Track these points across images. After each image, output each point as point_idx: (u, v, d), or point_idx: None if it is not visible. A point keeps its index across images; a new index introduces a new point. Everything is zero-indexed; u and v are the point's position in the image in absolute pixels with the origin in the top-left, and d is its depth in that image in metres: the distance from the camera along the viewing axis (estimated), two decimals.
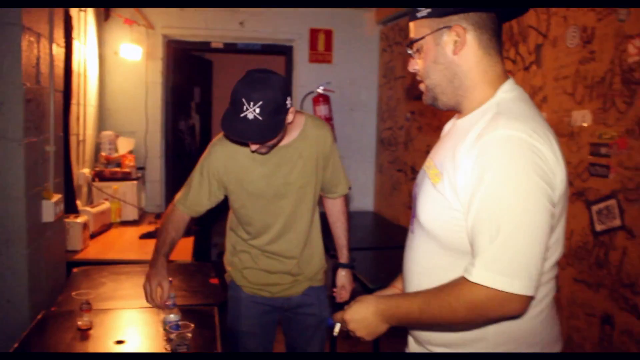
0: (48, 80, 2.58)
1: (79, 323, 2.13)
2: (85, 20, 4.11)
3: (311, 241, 2.43)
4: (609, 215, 2.33)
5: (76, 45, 3.79)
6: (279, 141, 2.15)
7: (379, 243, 4.46)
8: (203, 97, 6.21)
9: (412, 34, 1.41)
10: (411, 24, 1.41)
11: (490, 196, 1.17)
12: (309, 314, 2.44)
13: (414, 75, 1.47)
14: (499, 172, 1.17)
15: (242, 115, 1.90)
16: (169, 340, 1.93)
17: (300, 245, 2.37)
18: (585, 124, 2.46)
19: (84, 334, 2.11)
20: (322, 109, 4.96)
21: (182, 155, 5.61)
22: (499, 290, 1.14)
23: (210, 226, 6.05)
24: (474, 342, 1.32)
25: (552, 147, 1.23)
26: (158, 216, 4.55)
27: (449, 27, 1.32)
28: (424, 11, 1.35)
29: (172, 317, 2.03)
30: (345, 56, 5.31)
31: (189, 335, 1.85)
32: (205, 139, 6.37)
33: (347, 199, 2.60)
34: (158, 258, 2.23)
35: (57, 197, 2.62)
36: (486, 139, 1.21)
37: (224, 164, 2.25)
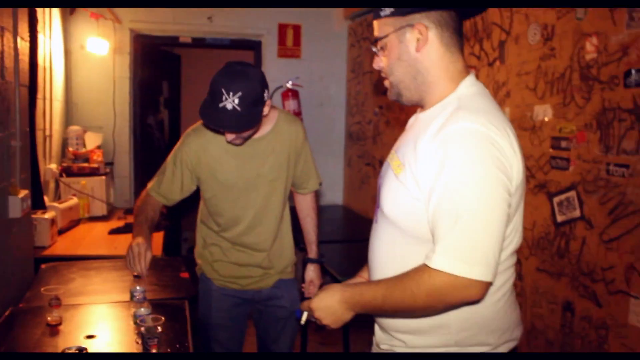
0: (13, 74, 2.56)
1: (49, 319, 2.12)
2: (50, 13, 4.06)
3: (281, 235, 2.47)
4: (569, 206, 2.41)
5: (41, 39, 3.74)
6: (254, 133, 2.18)
7: (348, 236, 4.51)
8: (172, 92, 6.18)
9: (376, 33, 1.45)
10: (375, 23, 1.46)
11: (450, 186, 1.22)
12: (279, 307, 2.48)
13: (379, 71, 1.51)
14: (459, 163, 1.22)
15: (220, 105, 1.94)
16: (139, 334, 1.94)
17: (270, 238, 2.40)
18: (546, 118, 2.54)
19: (54, 329, 2.10)
20: (291, 104, 4.98)
21: (151, 150, 5.58)
22: (458, 276, 1.18)
23: (180, 221, 6.03)
24: (438, 329, 1.37)
25: (510, 140, 1.28)
26: (127, 211, 4.53)
27: (411, 26, 1.37)
28: (387, 10, 1.40)
29: (143, 310, 2.04)
30: (314, 51, 5.33)
31: (159, 328, 1.87)
32: (174, 134, 6.34)
33: (317, 195, 2.63)
34: (141, 231, 2.20)
35: (23, 192, 2.60)
36: (446, 131, 1.26)
37: (197, 154, 2.27)
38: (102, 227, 4.02)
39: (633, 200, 2.08)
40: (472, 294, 1.21)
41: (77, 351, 1.59)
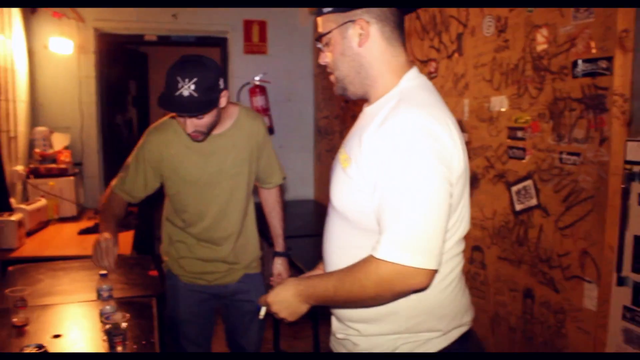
0: None
1: (14, 320, 2.13)
2: (9, 13, 4.02)
3: (246, 230, 2.50)
4: (526, 195, 2.48)
5: (0, 39, 3.71)
6: (213, 127, 2.21)
7: (319, 230, 4.53)
8: (139, 90, 6.16)
9: (320, 29, 1.49)
10: (318, 19, 1.49)
11: (393, 178, 1.27)
12: (245, 301, 2.51)
13: (324, 71, 1.55)
14: (400, 155, 1.26)
15: (177, 93, 1.99)
16: (105, 331, 1.96)
17: (234, 233, 2.43)
18: (503, 109, 2.60)
19: (20, 330, 2.10)
20: (258, 100, 5.01)
21: (120, 149, 5.55)
22: (403, 265, 1.23)
23: (152, 219, 6.01)
24: (388, 316, 1.41)
25: (450, 131, 1.33)
26: (98, 212, 4.51)
27: (352, 21, 1.41)
28: (329, 7, 1.43)
29: (108, 308, 2.06)
30: (280, 47, 5.36)
31: (124, 324, 1.89)
32: (143, 133, 6.32)
33: (282, 189, 2.66)
34: (108, 227, 2.22)
35: None
36: (388, 124, 1.31)
37: (159, 151, 2.30)
38: (72, 228, 4.01)
39: (585, 187, 2.15)
40: (418, 282, 1.25)
41: (36, 349, 1.60)
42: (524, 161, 2.47)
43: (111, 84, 5.24)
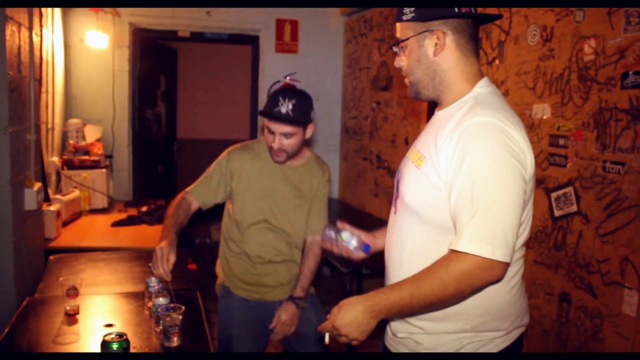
0: (28, 69, 2.62)
1: (67, 308, 2.19)
2: (52, 7, 4.10)
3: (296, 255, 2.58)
4: (566, 201, 2.51)
5: (45, 33, 3.78)
6: (293, 154, 2.45)
7: None
8: (168, 86, 6.22)
9: (398, 34, 1.55)
10: (397, 25, 1.55)
11: (470, 175, 1.33)
12: (302, 320, 2.51)
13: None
14: (477, 153, 1.33)
15: (276, 109, 2.33)
16: (158, 322, 2.01)
17: (286, 252, 2.52)
18: (545, 117, 2.64)
19: (72, 318, 2.17)
20: None
21: (148, 143, 5.63)
22: (483, 258, 1.28)
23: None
24: (456, 314, 1.46)
25: (522, 134, 1.40)
26: (127, 204, 4.59)
27: (430, 31, 1.47)
28: (409, 15, 1.50)
29: (162, 300, 2.11)
30: (311, 46, 5.42)
31: (180, 317, 1.94)
32: (171, 127, 6.38)
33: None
34: (169, 235, 2.28)
35: (37, 185, 2.67)
36: (465, 124, 1.37)
37: (239, 167, 2.51)
38: (104, 220, 4.07)
39: (628, 196, 2.19)
40: (496, 274, 1.31)
41: (117, 338, 1.66)
42: (565, 168, 2.51)
43: (143, 79, 5.31)
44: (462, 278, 1.30)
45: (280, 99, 2.34)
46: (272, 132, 2.38)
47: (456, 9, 1.44)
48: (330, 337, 1.51)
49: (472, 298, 1.43)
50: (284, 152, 2.41)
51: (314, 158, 2.63)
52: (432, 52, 1.49)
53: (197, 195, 2.53)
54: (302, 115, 2.36)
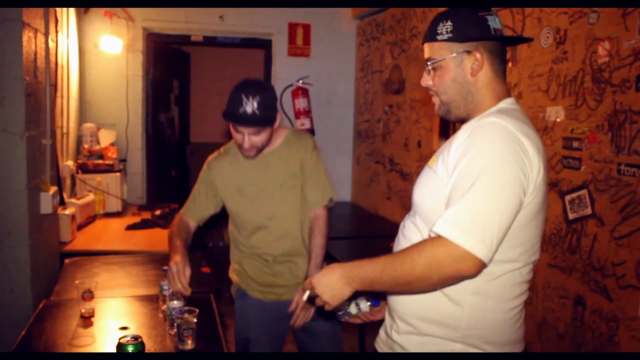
0: (44, 74, 2.65)
1: (82, 311, 2.21)
2: (67, 12, 4.14)
3: (306, 246, 2.52)
4: (580, 204, 2.50)
5: (60, 38, 3.82)
6: (264, 146, 2.37)
7: (357, 232, 4.60)
8: (182, 90, 6.26)
9: (431, 54, 1.55)
10: (428, 44, 1.55)
11: (470, 166, 1.33)
12: (315, 319, 2.44)
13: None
14: (484, 148, 1.33)
15: (241, 109, 2.21)
16: (173, 325, 2.03)
17: (296, 245, 2.48)
18: (558, 119, 2.63)
19: (87, 321, 2.19)
20: (301, 102, 5.07)
21: (162, 147, 5.67)
22: (456, 246, 1.26)
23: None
24: (449, 319, 1.46)
25: (537, 146, 1.39)
26: (140, 208, 4.62)
27: (468, 52, 1.49)
28: (445, 35, 1.50)
29: (176, 303, 2.12)
30: (323, 50, 5.43)
31: (194, 319, 1.96)
32: (184, 131, 6.42)
33: (328, 215, 2.53)
34: (177, 250, 2.30)
35: (53, 189, 2.69)
36: (477, 123, 1.40)
37: (221, 174, 2.47)
38: (118, 223, 4.11)
39: None
40: (466, 267, 1.27)
41: (132, 340, 1.67)
42: (579, 171, 2.50)
43: (156, 83, 5.35)
44: (431, 262, 1.29)
45: (244, 97, 2.21)
46: (239, 132, 2.28)
47: (492, 31, 1.46)
48: (309, 296, 1.57)
49: (470, 307, 1.43)
50: (254, 148, 2.33)
51: (291, 133, 2.53)
52: (470, 72, 1.50)
53: (190, 215, 2.53)
54: (269, 110, 2.25)
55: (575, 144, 2.52)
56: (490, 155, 1.32)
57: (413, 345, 1.53)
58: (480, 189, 1.29)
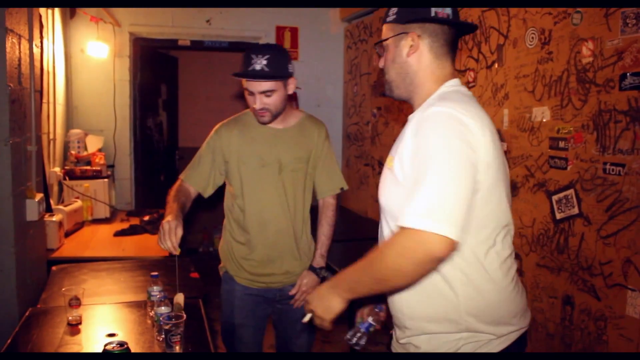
0: (28, 80, 2.63)
1: (69, 318, 2.19)
2: (52, 17, 4.12)
3: (303, 234, 2.52)
4: (567, 204, 2.51)
5: (45, 43, 3.80)
6: (279, 112, 2.35)
7: (347, 235, 4.59)
8: (170, 94, 6.24)
9: (382, 35, 1.61)
10: (384, 26, 1.61)
11: (420, 162, 1.35)
12: (299, 307, 2.50)
13: (379, 72, 1.67)
14: (427, 139, 1.36)
15: (250, 67, 2.22)
16: (161, 331, 2.01)
17: (292, 234, 2.46)
18: (544, 120, 2.64)
19: (74, 328, 2.17)
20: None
21: (150, 152, 5.64)
22: (424, 232, 1.26)
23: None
24: (449, 312, 1.47)
25: (482, 124, 1.40)
26: (129, 213, 4.59)
27: (406, 33, 1.53)
28: (391, 16, 1.57)
29: (164, 309, 2.11)
30: (311, 53, 5.43)
31: (182, 325, 1.94)
32: (173, 136, 6.39)
33: (336, 205, 2.59)
34: (172, 210, 2.28)
35: (39, 196, 2.67)
36: (421, 116, 1.42)
37: (228, 141, 2.45)
38: (107, 229, 4.08)
39: (629, 197, 2.19)
40: (438, 249, 1.27)
41: (118, 347, 1.66)
42: (566, 171, 2.51)
43: (144, 88, 5.33)
44: (400, 251, 1.30)
45: (253, 56, 2.22)
46: (251, 93, 2.28)
47: (433, 14, 1.49)
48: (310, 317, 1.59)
49: (465, 298, 1.44)
50: (268, 111, 2.31)
51: (307, 117, 2.53)
52: (406, 53, 1.54)
53: (191, 181, 2.49)
54: (279, 68, 2.25)
55: (562, 144, 2.53)
56: (435, 143, 1.34)
57: (422, 342, 1.54)
58: (430, 176, 1.30)
